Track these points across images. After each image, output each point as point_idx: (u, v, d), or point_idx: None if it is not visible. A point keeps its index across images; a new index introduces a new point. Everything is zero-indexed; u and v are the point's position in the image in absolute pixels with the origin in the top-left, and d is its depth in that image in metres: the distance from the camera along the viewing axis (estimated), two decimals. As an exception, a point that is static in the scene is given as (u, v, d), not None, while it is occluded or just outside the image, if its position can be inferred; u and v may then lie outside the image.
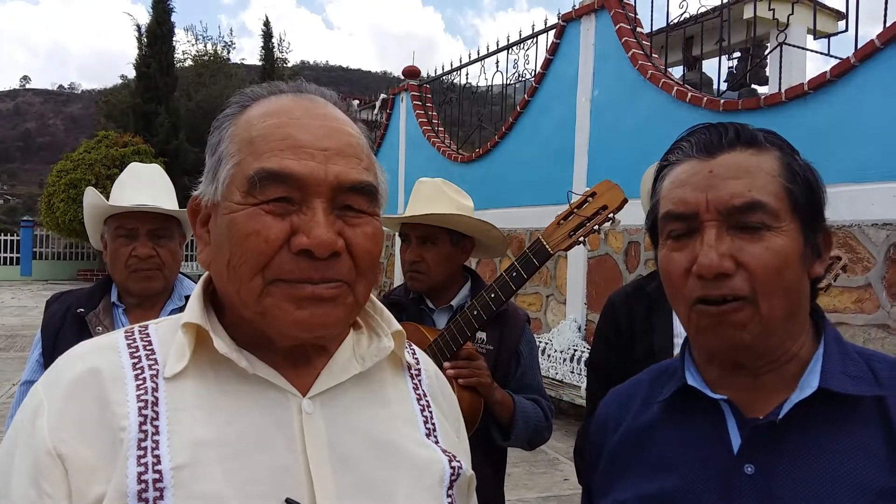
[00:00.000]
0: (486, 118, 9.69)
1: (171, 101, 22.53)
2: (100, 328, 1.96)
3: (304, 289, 0.76)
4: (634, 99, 6.64)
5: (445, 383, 1.03)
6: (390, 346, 0.90)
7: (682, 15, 6.79)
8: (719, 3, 6.52)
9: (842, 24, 6.13)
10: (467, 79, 10.16)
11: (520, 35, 8.68)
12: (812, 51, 7.46)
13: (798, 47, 6.91)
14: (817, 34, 6.38)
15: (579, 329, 7.12)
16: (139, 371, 0.79)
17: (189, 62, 28.69)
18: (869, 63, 4.71)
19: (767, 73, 8.52)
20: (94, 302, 2.03)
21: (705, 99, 5.93)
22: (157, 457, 0.73)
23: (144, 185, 2.04)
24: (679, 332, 1.89)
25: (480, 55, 9.50)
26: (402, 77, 11.49)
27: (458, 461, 0.90)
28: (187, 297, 2.08)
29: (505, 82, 9.11)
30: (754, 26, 6.70)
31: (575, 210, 1.85)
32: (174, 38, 23.31)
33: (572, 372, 6.90)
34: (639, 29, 6.92)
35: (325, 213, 0.77)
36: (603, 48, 7.11)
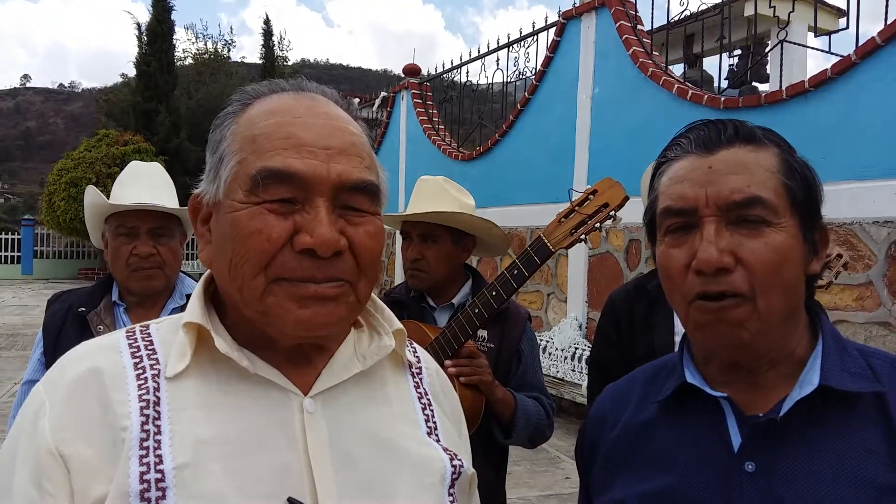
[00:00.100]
0: (486, 116, 9.69)
1: (171, 99, 22.53)
2: (101, 327, 1.96)
3: (307, 288, 0.76)
4: (635, 97, 6.63)
5: (447, 381, 1.03)
6: (391, 345, 0.90)
7: (682, 12, 6.79)
8: (720, 0, 6.51)
9: (843, 22, 6.13)
10: (468, 77, 10.16)
11: (520, 33, 8.67)
12: (813, 48, 7.46)
13: (799, 45, 6.91)
14: (818, 31, 6.36)
15: (580, 327, 7.12)
16: (140, 371, 0.79)
17: (189, 60, 28.71)
18: (870, 60, 4.70)
19: (768, 71, 8.52)
20: (96, 301, 2.03)
21: (706, 97, 5.93)
22: (159, 456, 0.73)
23: (145, 184, 2.04)
24: (679, 329, 1.89)
25: (481, 53, 9.49)
26: (403, 75, 11.47)
27: (460, 460, 0.90)
28: (188, 296, 2.08)
29: (505, 80, 9.11)
30: (755, 24, 6.70)
31: (576, 208, 1.84)
32: (174, 37, 23.32)
33: (573, 370, 6.90)
34: (639, 26, 6.92)
35: (327, 213, 0.77)
36: (603, 46, 7.11)
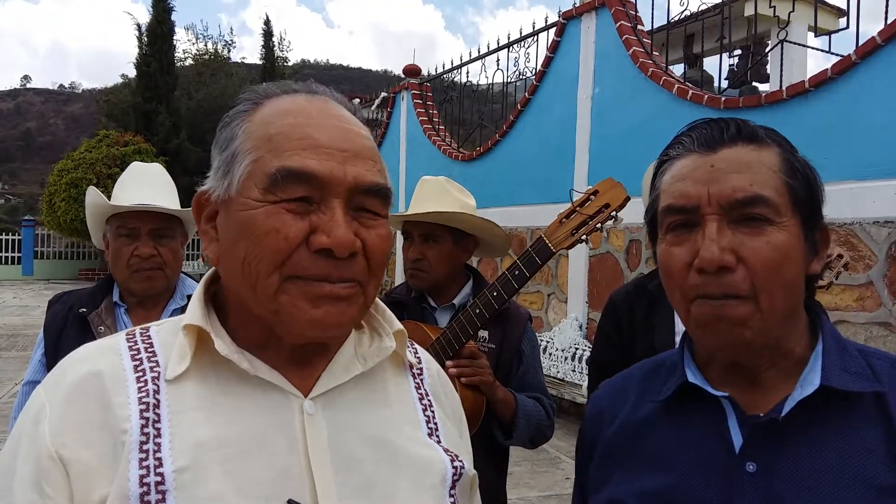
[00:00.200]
0: (486, 116, 9.69)
1: (171, 100, 22.54)
2: (102, 328, 1.96)
3: (321, 287, 0.76)
4: (635, 97, 6.63)
5: (448, 382, 1.03)
6: (392, 346, 0.90)
7: (682, 12, 6.79)
8: (720, 0, 6.51)
9: (843, 22, 6.13)
10: (468, 77, 10.17)
11: (520, 33, 8.67)
12: (813, 48, 7.46)
13: (799, 44, 6.91)
14: (818, 31, 6.36)
15: (580, 327, 7.12)
16: (140, 373, 0.79)
17: (189, 61, 28.71)
18: (870, 60, 4.70)
19: (768, 71, 8.52)
20: (96, 302, 2.03)
21: (706, 97, 5.93)
22: (159, 459, 0.73)
23: (146, 185, 2.04)
24: (680, 329, 1.89)
25: (481, 53, 9.49)
26: (403, 75, 11.47)
27: (461, 461, 0.90)
28: (189, 297, 2.08)
29: (506, 80, 9.11)
30: (755, 24, 6.70)
31: (577, 208, 1.84)
32: (174, 37, 23.33)
33: (573, 370, 6.91)
34: (639, 27, 6.92)
35: (343, 214, 0.77)
36: (604, 46, 7.11)
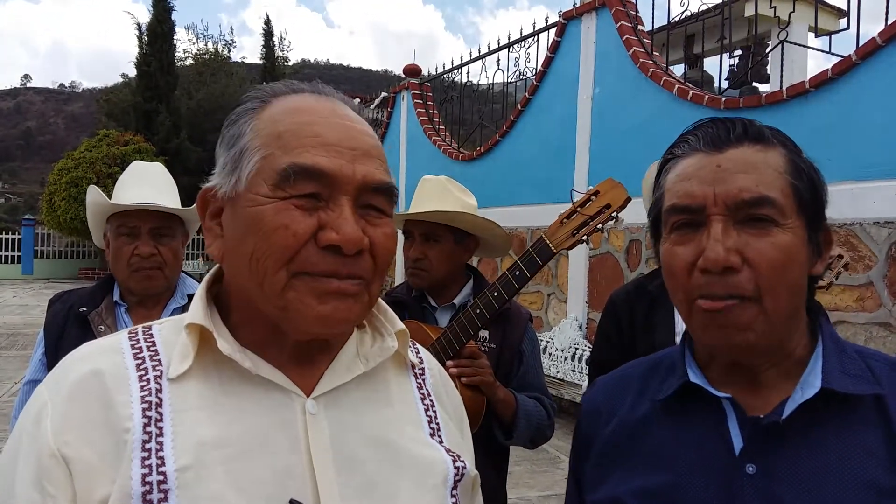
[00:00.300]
0: (487, 116, 9.69)
1: (171, 99, 22.56)
2: (102, 327, 1.96)
3: (328, 283, 0.77)
4: (635, 97, 6.63)
5: (449, 382, 1.03)
6: (394, 346, 0.90)
7: (683, 13, 6.79)
8: (720, 0, 6.51)
9: (843, 22, 6.12)
10: (468, 77, 10.16)
11: (521, 33, 8.67)
12: (813, 48, 7.45)
13: (799, 45, 6.90)
14: (818, 32, 6.36)
15: (580, 327, 7.12)
16: (143, 372, 0.79)
17: (190, 61, 28.74)
18: (870, 61, 4.70)
19: (769, 71, 8.51)
20: (97, 301, 2.03)
21: (706, 97, 5.93)
22: (162, 458, 0.73)
23: (147, 184, 2.04)
24: (680, 329, 1.89)
25: (481, 53, 9.49)
26: (403, 75, 11.46)
27: (463, 461, 0.90)
28: (190, 296, 2.09)
29: (506, 80, 9.11)
30: (755, 24, 6.70)
31: (578, 209, 1.84)
32: (175, 37, 23.34)
33: (573, 370, 6.91)
34: (640, 27, 6.91)
35: (352, 211, 0.78)
36: (604, 46, 7.11)
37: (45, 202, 19.97)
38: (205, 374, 0.80)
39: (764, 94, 5.56)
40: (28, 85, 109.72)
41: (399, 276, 9.13)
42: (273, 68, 26.74)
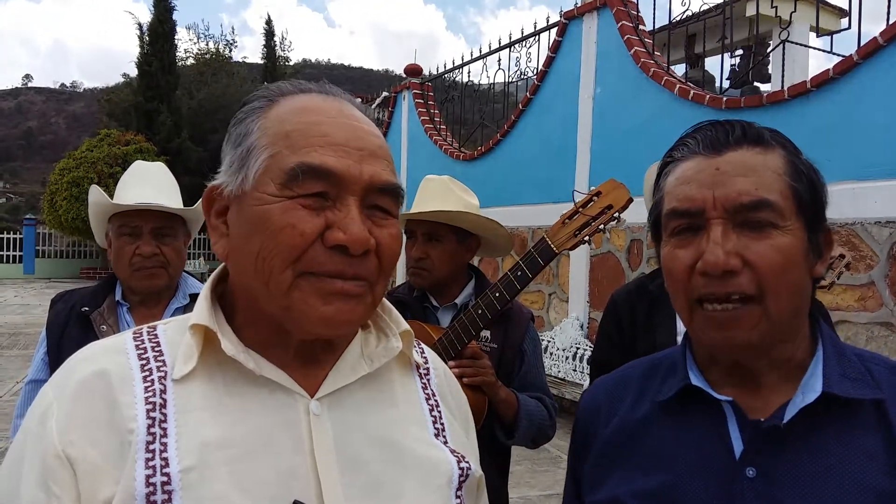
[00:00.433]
0: (488, 116, 9.69)
1: (173, 99, 22.56)
2: (104, 327, 1.96)
3: (333, 283, 0.77)
4: (636, 97, 6.63)
5: (454, 381, 1.03)
6: (398, 347, 0.90)
7: (684, 12, 6.79)
8: (721, 0, 6.51)
9: (844, 22, 6.13)
10: (469, 77, 10.15)
11: (522, 33, 8.67)
12: (815, 48, 7.45)
13: (801, 45, 6.90)
14: (820, 32, 6.36)
15: (581, 327, 7.12)
16: (147, 373, 0.79)
17: (191, 60, 28.74)
18: (872, 60, 4.70)
19: (770, 71, 8.51)
20: (99, 300, 2.03)
21: (708, 97, 5.93)
22: (166, 459, 0.73)
23: (148, 184, 2.04)
24: (681, 329, 1.89)
25: (482, 53, 9.49)
26: (404, 75, 11.46)
27: (468, 462, 0.90)
28: (192, 296, 2.09)
29: (507, 80, 9.11)
30: (757, 24, 6.71)
31: (580, 209, 1.84)
32: (176, 37, 23.35)
33: (574, 370, 6.91)
34: (641, 27, 6.91)
35: (359, 211, 0.78)
36: (605, 46, 7.10)
37: (47, 202, 19.98)
38: (209, 374, 0.80)
39: (765, 94, 5.56)
40: (29, 85, 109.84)
41: (401, 276, 9.13)
42: (274, 68, 26.73)
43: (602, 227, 1.82)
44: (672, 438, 0.97)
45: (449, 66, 10.35)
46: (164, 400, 0.77)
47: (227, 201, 0.82)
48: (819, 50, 7.27)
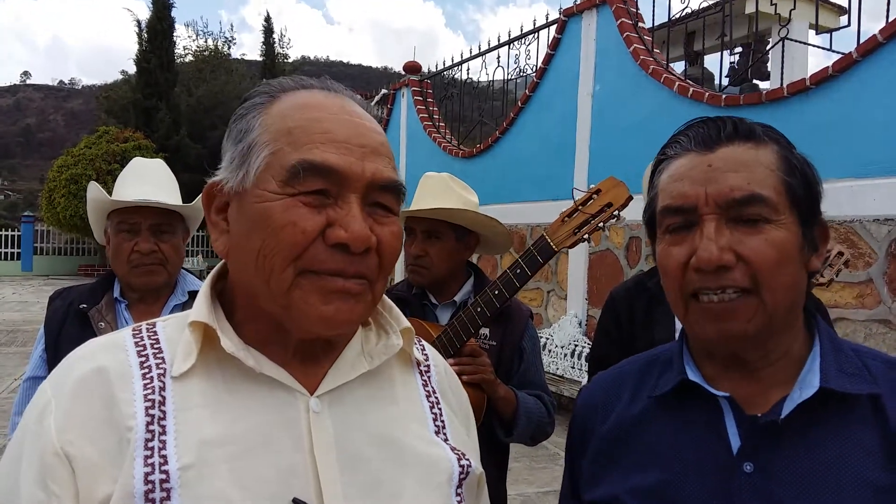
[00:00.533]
0: (487, 114, 9.67)
1: (171, 96, 22.57)
2: (102, 324, 1.96)
3: (334, 282, 0.76)
4: (636, 94, 6.62)
5: (455, 378, 1.03)
6: (399, 344, 0.89)
7: (683, 10, 6.77)
8: (721, -2, 6.50)
9: (844, 20, 6.13)
10: (468, 74, 10.19)
11: (521, 30, 8.66)
12: (814, 46, 7.45)
13: (800, 42, 6.90)
14: (819, 29, 6.36)
15: (580, 324, 7.12)
16: (146, 370, 0.79)
17: (189, 58, 28.76)
18: (871, 58, 4.70)
19: (769, 69, 8.50)
20: (97, 297, 2.03)
21: (707, 94, 5.92)
22: (164, 457, 0.73)
23: (147, 181, 2.04)
24: (680, 326, 1.89)
25: (481, 50, 9.48)
26: (403, 72, 11.44)
27: (468, 459, 0.89)
28: (191, 293, 2.09)
29: (506, 77, 9.10)
30: (756, 21, 6.69)
31: (580, 207, 1.84)
32: (174, 34, 23.35)
33: (573, 367, 6.91)
34: (640, 24, 6.91)
35: (360, 209, 0.78)
36: (604, 43, 7.10)
37: (45, 199, 19.98)
38: (208, 371, 0.80)
39: (764, 92, 5.56)
40: (28, 82, 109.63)
41: (399, 274, 9.14)
42: (273, 65, 26.73)
43: (601, 225, 1.82)
44: (669, 434, 0.97)
45: (448, 63, 10.34)
46: (164, 397, 0.77)
47: (228, 197, 0.82)
48: (818, 47, 7.28)
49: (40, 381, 0.82)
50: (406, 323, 0.92)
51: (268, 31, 27.64)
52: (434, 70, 10.84)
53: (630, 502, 0.96)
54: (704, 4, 6.83)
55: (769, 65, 8.49)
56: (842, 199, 4.56)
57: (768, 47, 8.44)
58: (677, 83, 6.18)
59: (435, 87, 11.02)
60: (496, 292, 1.92)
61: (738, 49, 8.77)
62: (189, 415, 0.76)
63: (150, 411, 0.75)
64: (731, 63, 8.41)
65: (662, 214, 0.95)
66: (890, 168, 4.51)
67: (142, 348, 0.81)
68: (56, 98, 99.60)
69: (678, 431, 0.96)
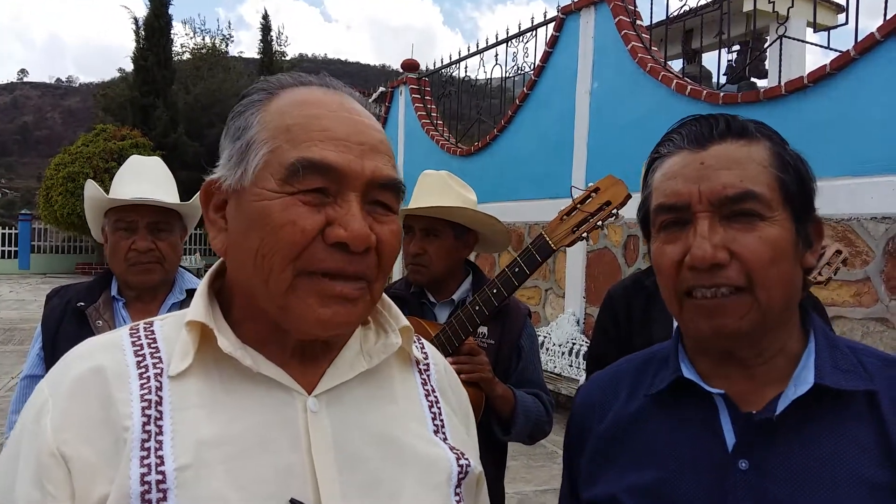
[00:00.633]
0: (485, 111, 9.67)
1: (168, 94, 22.52)
2: (100, 322, 1.96)
3: (332, 286, 0.76)
4: (634, 92, 6.62)
5: (455, 377, 1.02)
6: (398, 343, 0.89)
7: (681, 8, 6.77)
8: (719, -5, 6.49)
9: (841, 17, 6.13)
10: (466, 72, 10.14)
11: (519, 28, 8.66)
12: (812, 44, 7.46)
13: (798, 40, 6.91)
14: (817, 27, 6.38)
15: (578, 323, 7.13)
16: (143, 370, 0.78)
17: (187, 55, 28.70)
18: (869, 56, 4.70)
19: (767, 67, 8.51)
20: (95, 296, 2.03)
21: (705, 92, 5.93)
22: (161, 457, 0.72)
23: (145, 179, 2.03)
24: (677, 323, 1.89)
25: (479, 48, 9.47)
26: (401, 70, 11.44)
27: (467, 459, 0.89)
28: (188, 291, 2.08)
29: (504, 75, 9.10)
30: (754, 19, 6.69)
31: (578, 206, 1.84)
32: (172, 32, 23.30)
33: (571, 365, 6.91)
34: (638, 22, 6.91)
35: (359, 208, 0.77)
36: (602, 41, 7.10)
37: (42, 197, 19.94)
38: (205, 371, 0.79)
39: (762, 90, 5.56)
40: (25, 79, 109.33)
41: (398, 273, 9.14)
42: (270, 63, 26.70)
43: (600, 223, 1.82)
44: (665, 432, 0.97)
45: (446, 61, 10.34)
46: (160, 397, 0.76)
47: (226, 195, 0.81)
48: (816, 45, 7.29)
49: (37, 380, 0.81)
50: (405, 321, 0.92)
51: (265, 28, 27.61)
52: (432, 68, 10.84)
53: (627, 501, 0.96)
54: (702, 2, 6.84)
55: (767, 63, 8.49)
56: (839, 198, 4.57)
57: (766, 45, 8.45)
58: (675, 81, 6.18)
59: (433, 84, 11.02)
60: (494, 291, 1.91)
61: (736, 47, 8.78)
62: (186, 415, 0.76)
63: (147, 411, 0.75)
64: (728, 61, 8.43)
65: (656, 213, 0.95)
66: (887, 166, 4.51)
67: (139, 348, 0.81)
68: (53, 96, 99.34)
69: (674, 429, 0.96)
